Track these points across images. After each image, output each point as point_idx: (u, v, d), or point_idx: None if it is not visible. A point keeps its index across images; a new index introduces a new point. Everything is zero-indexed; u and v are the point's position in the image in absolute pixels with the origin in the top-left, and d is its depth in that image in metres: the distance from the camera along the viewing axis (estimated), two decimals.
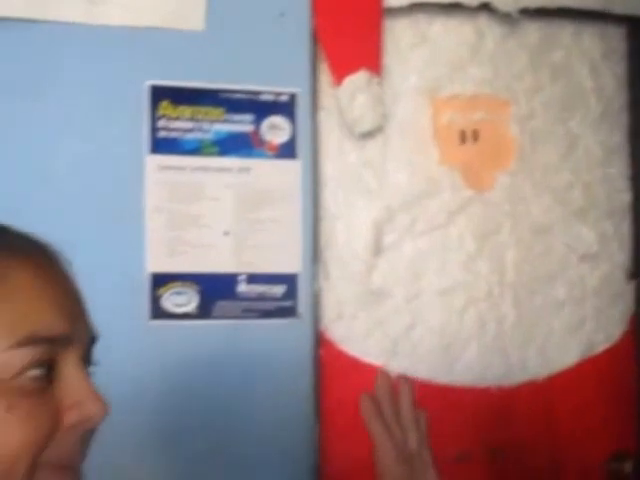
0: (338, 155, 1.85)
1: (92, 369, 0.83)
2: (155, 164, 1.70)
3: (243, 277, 1.74)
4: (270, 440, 1.77)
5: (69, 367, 0.77)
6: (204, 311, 1.72)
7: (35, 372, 0.73)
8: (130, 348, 1.67)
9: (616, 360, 2.04)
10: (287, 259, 1.76)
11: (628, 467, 2.01)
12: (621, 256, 2.05)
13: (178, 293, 1.70)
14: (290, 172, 1.77)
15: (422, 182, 1.89)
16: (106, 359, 1.62)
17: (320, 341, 1.82)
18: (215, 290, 1.72)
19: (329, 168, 1.85)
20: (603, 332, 2.03)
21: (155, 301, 1.69)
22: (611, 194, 2.04)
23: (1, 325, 0.74)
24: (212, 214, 1.72)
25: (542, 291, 1.98)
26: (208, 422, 1.73)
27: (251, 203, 1.74)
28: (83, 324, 0.81)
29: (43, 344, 0.74)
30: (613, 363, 2.03)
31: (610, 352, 2.03)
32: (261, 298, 1.74)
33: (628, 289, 2.05)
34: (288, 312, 1.77)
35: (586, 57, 2.01)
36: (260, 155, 1.75)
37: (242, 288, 1.74)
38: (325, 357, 1.83)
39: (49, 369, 0.75)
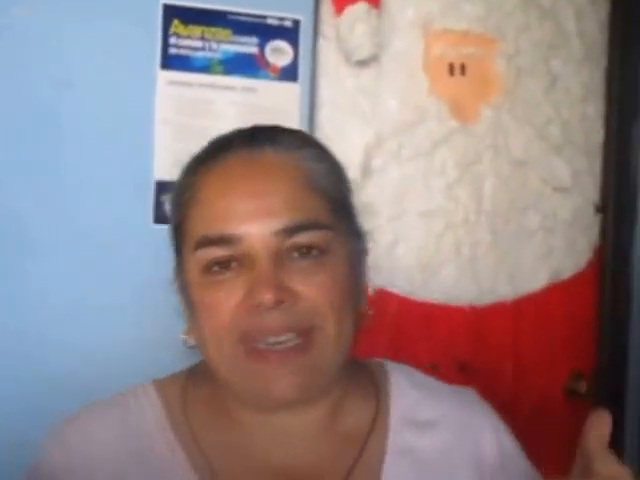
0: (335, 81, 1.97)
1: (316, 252, 0.91)
2: (165, 79, 1.81)
3: None
4: None
5: (252, 259, 0.89)
6: None
7: (217, 268, 0.90)
8: (135, 249, 1.80)
9: (580, 287, 2.20)
10: None
11: (582, 387, 2.18)
12: (591, 191, 2.20)
13: None
14: (290, 94, 1.89)
15: (411, 111, 2.02)
16: (114, 257, 1.77)
17: None
18: None
19: (326, 92, 1.96)
20: (570, 260, 2.18)
21: (159, 207, 1.82)
22: (587, 132, 2.18)
23: (189, 233, 0.93)
24: (217, 129, 1.83)
25: (516, 220, 2.13)
26: None
27: (253, 120, 1.84)
28: (267, 222, 0.89)
29: (210, 245, 0.90)
30: (577, 289, 2.19)
31: (575, 279, 2.19)
32: None
33: (595, 221, 2.21)
34: None
35: (572, 1, 2.14)
36: (263, 76, 1.87)
37: None
38: None
39: (238, 262, 0.90)
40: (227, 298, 0.89)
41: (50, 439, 0.99)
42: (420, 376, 1.09)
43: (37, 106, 1.74)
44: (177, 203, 0.99)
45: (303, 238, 0.90)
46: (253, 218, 0.89)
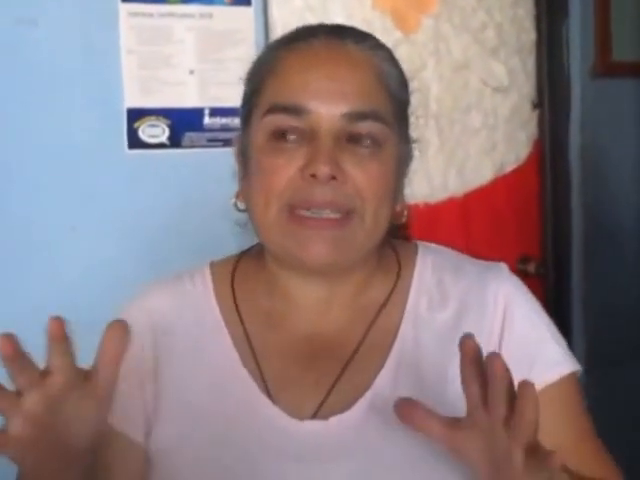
0: (285, 2, 2.09)
1: (367, 141, 0.98)
2: (127, 11, 1.92)
3: (207, 111, 1.99)
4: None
5: (315, 134, 0.97)
6: (174, 141, 1.97)
7: (281, 136, 0.97)
8: (111, 173, 1.93)
9: (523, 178, 2.39)
10: None
11: (531, 268, 2.37)
12: (527, 88, 2.37)
13: (152, 126, 1.95)
14: (244, 17, 2.01)
15: (357, 25, 2.11)
16: (93, 180, 1.87)
17: None
18: (184, 123, 1.98)
19: (277, 13, 2.08)
20: (512, 154, 2.36)
21: (132, 133, 1.94)
22: (519, 33, 2.34)
23: (262, 101, 1.00)
24: (178, 55, 1.96)
25: (460, 120, 2.29)
26: (150, 244, 1.98)
27: (212, 45, 1.98)
28: (337, 103, 0.97)
29: (280, 112, 0.98)
30: (521, 180, 2.38)
31: (518, 171, 2.38)
32: (224, 129, 2.00)
33: (533, 116, 2.38)
34: None
35: None
36: (218, 2, 1.98)
37: (207, 120, 1.99)
38: None
39: (301, 135, 0.97)
40: (286, 165, 0.97)
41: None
42: (449, 255, 1.13)
43: (3, 46, 1.83)
44: (254, 74, 1.05)
45: (364, 127, 0.98)
46: (325, 97, 0.97)
